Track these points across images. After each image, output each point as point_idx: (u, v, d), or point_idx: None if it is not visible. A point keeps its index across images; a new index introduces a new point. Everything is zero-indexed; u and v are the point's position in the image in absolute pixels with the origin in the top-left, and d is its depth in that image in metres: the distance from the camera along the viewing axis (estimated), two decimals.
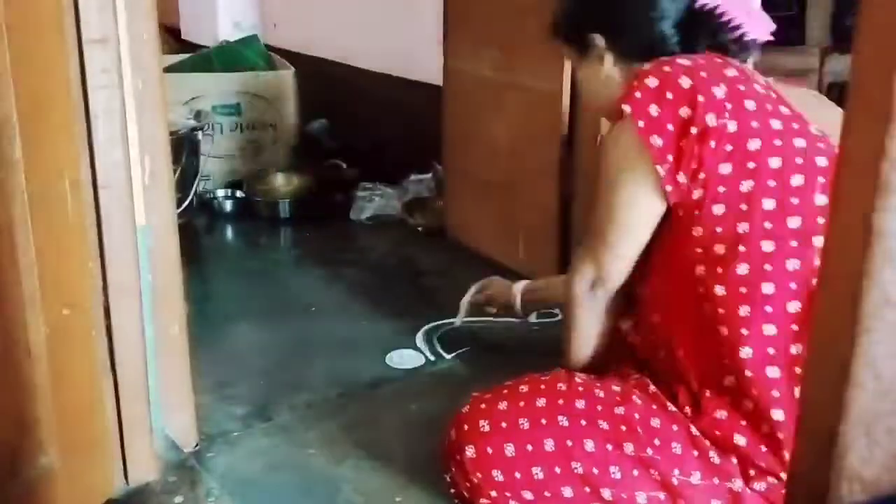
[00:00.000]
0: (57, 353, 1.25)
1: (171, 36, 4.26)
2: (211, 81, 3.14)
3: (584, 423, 1.21)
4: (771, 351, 1.13)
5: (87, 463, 1.35)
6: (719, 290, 1.15)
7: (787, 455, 1.13)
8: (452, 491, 1.30)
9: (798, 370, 1.13)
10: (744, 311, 1.14)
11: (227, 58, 3.33)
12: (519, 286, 1.79)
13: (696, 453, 1.18)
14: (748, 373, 1.14)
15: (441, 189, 2.77)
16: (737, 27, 1.27)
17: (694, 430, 1.18)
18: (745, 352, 1.14)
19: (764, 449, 1.16)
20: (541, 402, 1.25)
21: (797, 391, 1.13)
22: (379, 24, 3.28)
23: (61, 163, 1.23)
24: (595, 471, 1.19)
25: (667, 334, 1.24)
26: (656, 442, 1.19)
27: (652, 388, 1.23)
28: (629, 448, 1.19)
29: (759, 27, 1.29)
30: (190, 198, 2.67)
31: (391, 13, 3.21)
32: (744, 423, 1.16)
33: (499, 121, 2.39)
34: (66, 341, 1.27)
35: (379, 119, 3.24)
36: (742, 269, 1.14)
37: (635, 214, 1.21)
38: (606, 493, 1.19)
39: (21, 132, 1.14)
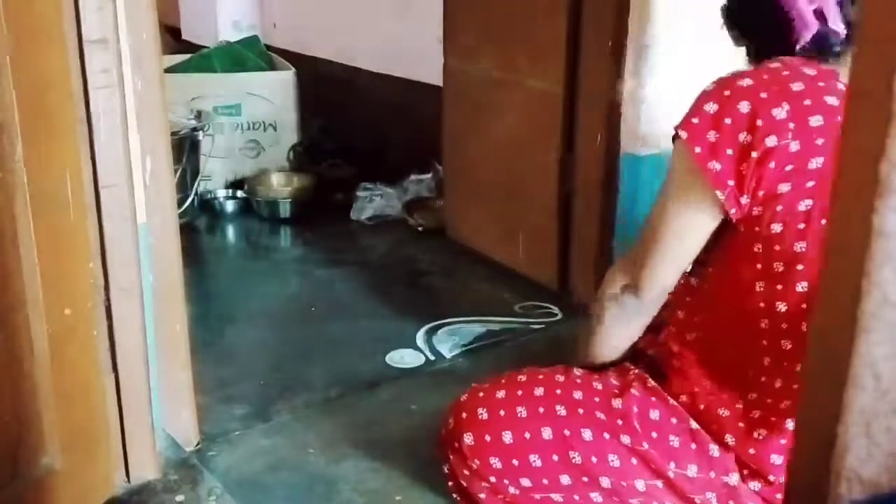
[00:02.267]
0: (59, 352, 1.25)
1: (171, 36, 4.26)
2: (211, 82, 3.14)
3: (581, 412, 1.22)
4: None
5: (88, 461, 1.35)
6: (781, 307, 1.16)
7: (773, 459, 1.15)
8: (450, 483, 1.31)
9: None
10: (805, 326, 1.15)
11: (227, 58, 3.33)
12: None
13: (694, 446, 1.19)
14: (796, 386, 1.14)
15: (441, 189, 2.77)
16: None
17: (693, 423, 1.19)
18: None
19: (752, 451, 1.17)
20: (539, 391, 1.26)
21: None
22: (379, 24, 3.28)
23: (62, 163, 1.23)
24: (594, 459, 1.20)
25: (701, 335, 1.25)
26: (653, 435, 1.19)
27: (651, 382, 1.23)
28: (626, 439, 1.20)
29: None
30: (191, 198, 2.67)
31: (391, 13, 3.21)
32: (741, 425, 1.17)
33: (499, 121, 2.39)
34: (67, 341, 1.27)
35: (379, 119, 3.24)
36: (801, 286, 1.14)
37: (681, 244, 1.20)
38: (605, 482, 1.20)
39: (22, 132, 1.15)
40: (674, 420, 1.20)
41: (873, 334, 0.47)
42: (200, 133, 2.75)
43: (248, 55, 3.35)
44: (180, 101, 2.92)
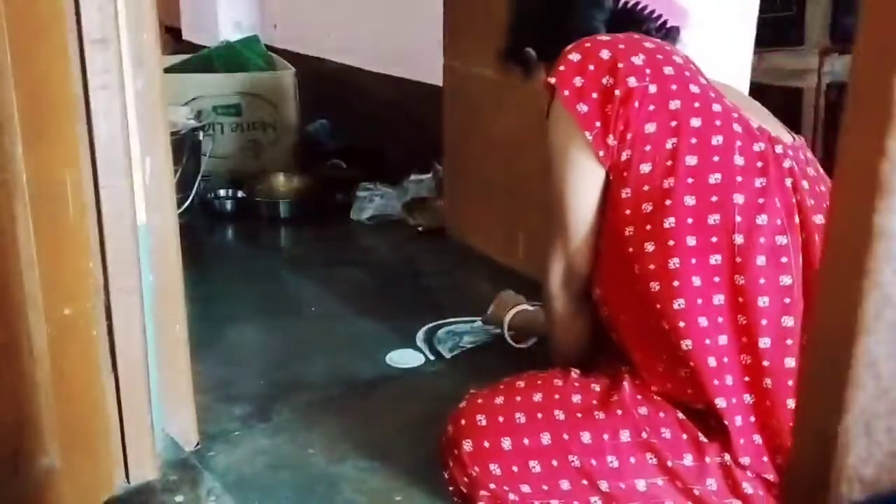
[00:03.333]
0: (58, 352, 1.25)
1: (172, 36, 4.27)
2: (211, 82, 3.14)
3: (579, 415, 1.22)
4: (699, 301, 1.15)
5: (88, 462, 1.35)
6: (649, 247, 1.17)
7: (720, 404, 1.15)
8: (451, 488, 1.31)
9: (720, 319, 1.15)
10: (672, 263, 1.16)
11: (227, 58, 3.33)
12: (511, 311, 1.80)
13: (685, 436, 1.19)
14: (681, 323, 1.16)
15: (441, 189, 2.77)
16: (658, 17, 1.34)
17: (680, 414, 1.19)
18: (679, 303, 1.16)
19: (695, 400, 1.18)
20: (537, 396, 1.26)
21: (722, 339, 1.15)
22: (379, 24, 3.28)
23: (62, 163, 1.23)
24: (593, 462, 1.20)
25: (609, 306, 1.26)
26: (647, 428, 1.20)
27: (637, 379, 1.24)
28: (626, 435, 1.20)
29: (677, 15, 1.36)
30: (191, 198, 2.67)
31: (392, 13, 3.21)
32: (689, 391, 1.18)
33: (499, 121, 2.39)
34: (67, 341, 1.27)
35: (379, 119, 3.24)
36: (669, 222, 1.16)
37: (577, 188, 1.23)
38: (604, 485, 1.20)
39: (22, 132, 1.15)
40: (662, 414, 1.20)
41: (874, 334, 0.47)
42: (200, 133, 2.75)
43: (249, 55, 3.35)
44: (181, 102, 2.93)
